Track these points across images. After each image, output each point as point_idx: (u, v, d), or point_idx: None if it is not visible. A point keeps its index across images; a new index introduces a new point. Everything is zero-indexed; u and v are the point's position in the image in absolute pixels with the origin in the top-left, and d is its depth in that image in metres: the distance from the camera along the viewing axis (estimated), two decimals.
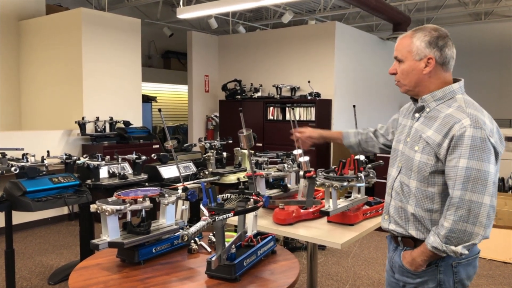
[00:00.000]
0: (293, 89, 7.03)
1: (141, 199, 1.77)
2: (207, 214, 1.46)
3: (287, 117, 6.75)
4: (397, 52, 1.60)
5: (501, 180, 4.85)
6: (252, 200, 1.68)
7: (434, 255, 1.48)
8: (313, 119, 6.49)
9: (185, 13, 6.21)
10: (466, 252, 1.44)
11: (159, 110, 1.97)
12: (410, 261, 1.55)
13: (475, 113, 1.46)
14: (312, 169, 2.26)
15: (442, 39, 1.53)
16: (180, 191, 1.91)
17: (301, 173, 2.29)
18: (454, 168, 1.42)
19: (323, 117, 6.62)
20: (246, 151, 3.86)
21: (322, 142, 2.23)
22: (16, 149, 4.58)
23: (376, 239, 4.83)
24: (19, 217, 4.94)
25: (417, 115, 1.61)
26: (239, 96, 7.36)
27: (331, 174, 2.34)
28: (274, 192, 2.59)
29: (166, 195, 1.85)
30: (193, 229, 1.36)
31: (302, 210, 2.39)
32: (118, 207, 1.69)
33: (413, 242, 1.57)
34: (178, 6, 6.28)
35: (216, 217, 1.44)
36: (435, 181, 1.50)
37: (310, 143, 2.20)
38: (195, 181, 2.20)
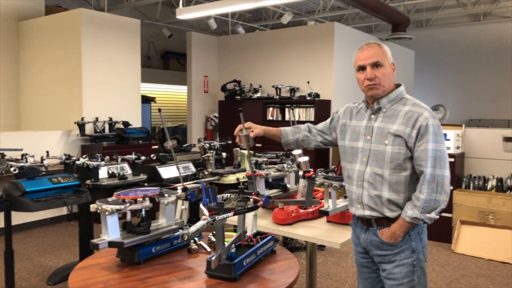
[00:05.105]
0: (293, 90, 7.03)
1: (141, 199, 1.78)
2: (207, 214, 1.46)
3: (287, 118, 6.75)
4: (375, 58, 1.79)
5: (500, 180, 4.86)
6: (252, 199, 1.68)
7: (411, 225, 1.75)
8: (313, 119, 6.50)
9: (185, 14, 6.21)
10: (437, 217, 1.73)
11: (159, 110, 1.97)
12: (390, 235, 1.79)
13: (427, 107, 1.81)
14: (312, 169, 2.27)
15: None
16: (179, 191, 1.92)
17: (301, 173, 2.30)
18: (424, 151, 1.72)
19: (323, 118, 6.51)
20: (245, 152, 3.86)
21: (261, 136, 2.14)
22: (15, 150, 4.58)
23: None
24: (18, 218, 4.94)
25: (373, 116, 1.86)
26: (238, 97, 7.36)
27: (330, 174, 2.35)
28: (273, 192, 2.60)
29: (166, 195, 1.86)
30: (193, 228, 1.36)
31: (301, 210, 2.40)
32: (118, 206, 1.69)
33: (387, 221, 1.81)
34: (177, 6, 6.28)
35: (216, 217, 1.44)
36: (407, 166, 1.77)
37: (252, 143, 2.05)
38: (194, 181, 2.20)
